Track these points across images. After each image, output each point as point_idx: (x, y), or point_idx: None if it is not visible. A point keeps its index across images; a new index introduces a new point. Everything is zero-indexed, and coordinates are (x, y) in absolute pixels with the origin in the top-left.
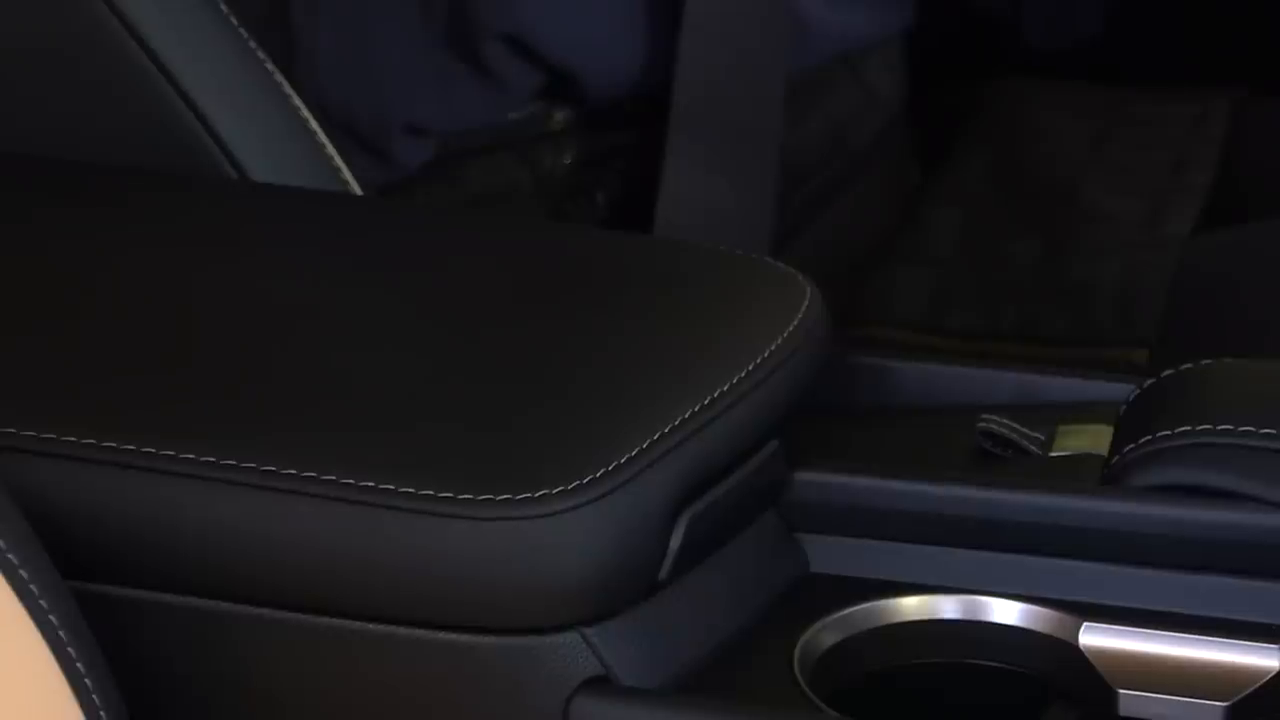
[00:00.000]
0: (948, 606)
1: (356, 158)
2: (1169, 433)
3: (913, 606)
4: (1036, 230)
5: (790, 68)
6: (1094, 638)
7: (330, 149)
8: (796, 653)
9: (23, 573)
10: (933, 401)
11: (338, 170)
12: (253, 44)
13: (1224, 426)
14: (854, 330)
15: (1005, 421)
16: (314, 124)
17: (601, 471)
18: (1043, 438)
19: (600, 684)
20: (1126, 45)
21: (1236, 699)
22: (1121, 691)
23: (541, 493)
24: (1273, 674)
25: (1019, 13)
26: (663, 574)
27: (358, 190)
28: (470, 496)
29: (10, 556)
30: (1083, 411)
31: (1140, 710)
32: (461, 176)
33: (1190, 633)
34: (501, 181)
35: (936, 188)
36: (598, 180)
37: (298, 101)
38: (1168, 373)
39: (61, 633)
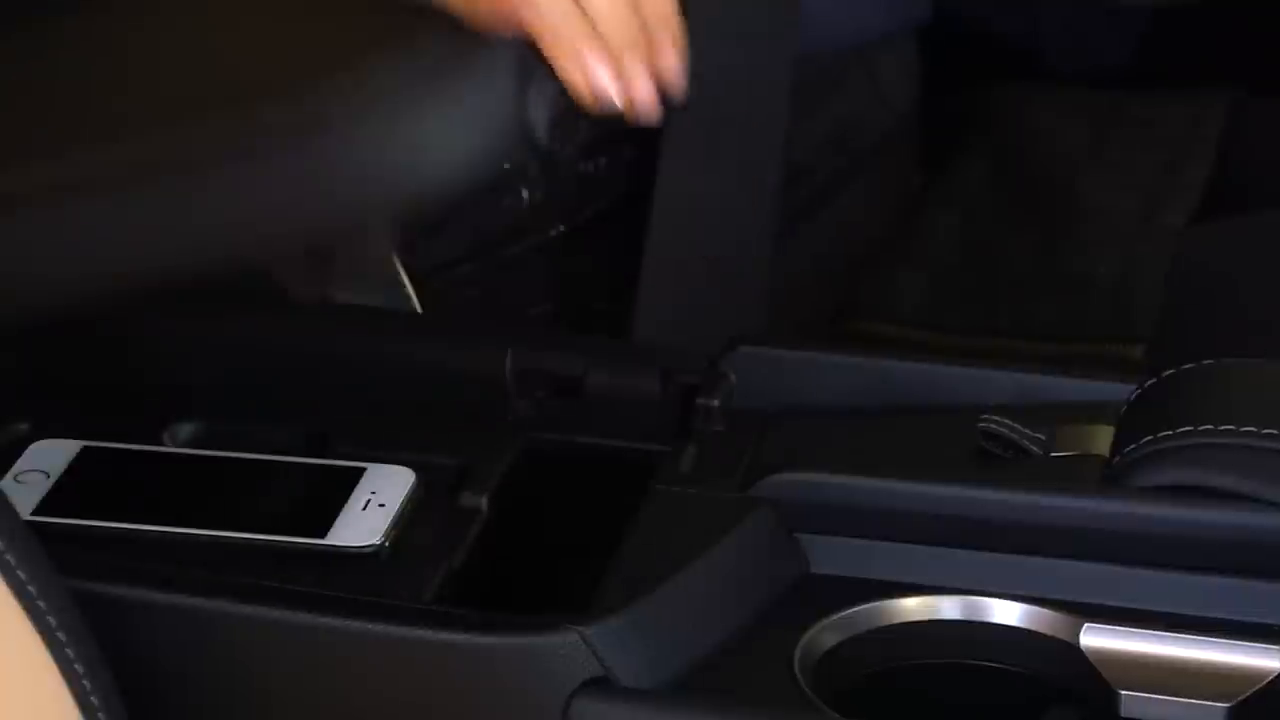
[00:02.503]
0: (948, 607)
1: None
2: (1170, 433)
3: (913, 607)
4: (1033, 226)
5: (801, 61)
6: (1095, 638)
7: None
8: (797, 653)
9: (20, 572)
10: (934, 401)
11: None
12: None
13: (1225, 427)
14: (853, 326)
15: (1006, 421)
16: None
17: None
18: (1044, 438)
19: (600, 684)
20: (1126, 49)
21: (1238, 700)
22: (1123, 692)
23: None
24: (1274, 675)
25: (1038, 40)
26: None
27: None
28: None
29: (8, 556)
30: (1084, 411)
31: (1141, 711)
32: None
33: (1192, 633)
34: (505, 161)
35: (936, 190)
36: (606, 167)
37: None
38: (1168, 372)
39: (60, 633)
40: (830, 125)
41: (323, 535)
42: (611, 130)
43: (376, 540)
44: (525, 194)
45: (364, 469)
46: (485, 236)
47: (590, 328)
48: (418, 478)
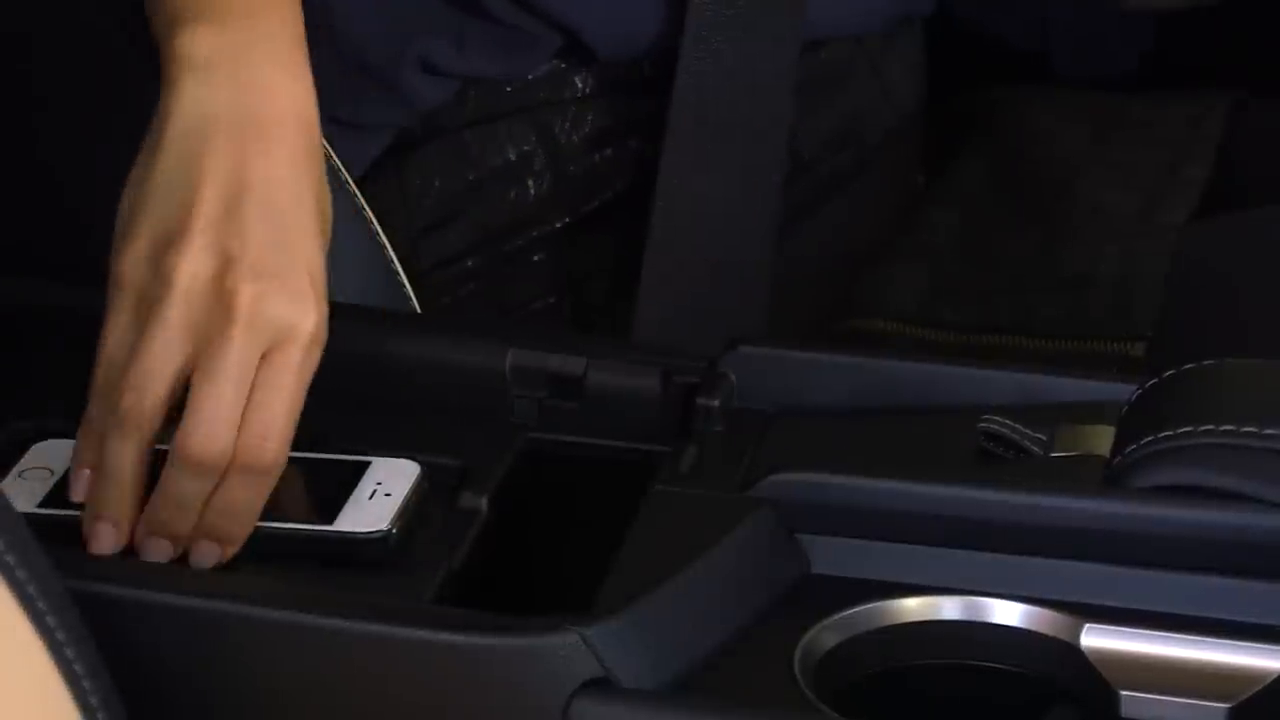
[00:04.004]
0: (949, 607)
1: (371, 98)
2: (1171, 433)
3: (914, 607)
4: (1033, 224)
5: (805, 54)
6: (1096, 639)
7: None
8: (797, 654)
9: (20, 573)
10: (934, 401)
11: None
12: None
13: (1226, 427)
14: (853, 324)
15: (1007, 422)
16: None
17: None
18: (1044, 438)
19: (600, 685)
20: (1128, 51)
21: (1239, 700)
22: (1123, 693)
23: None
24: (1275, 676)
25: (1040, 42)
26: None
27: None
28: None
29: (7, 557)
30: (1085, 411)
31: (1142, 711)
32: (469, 148)
33: (1192, 634)
34: (512, 154)
35: (937, 188)
36: (611, 159)
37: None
38: (1169, 373)
39: (59, 634)
40: (834, 122)
41: (330, 522)
42: (618, 121)
43: (384, 526)
44: (531, 186)
45: (369, 462)
46: (490, 229)
47: (593, 321)
48: (423, 470)
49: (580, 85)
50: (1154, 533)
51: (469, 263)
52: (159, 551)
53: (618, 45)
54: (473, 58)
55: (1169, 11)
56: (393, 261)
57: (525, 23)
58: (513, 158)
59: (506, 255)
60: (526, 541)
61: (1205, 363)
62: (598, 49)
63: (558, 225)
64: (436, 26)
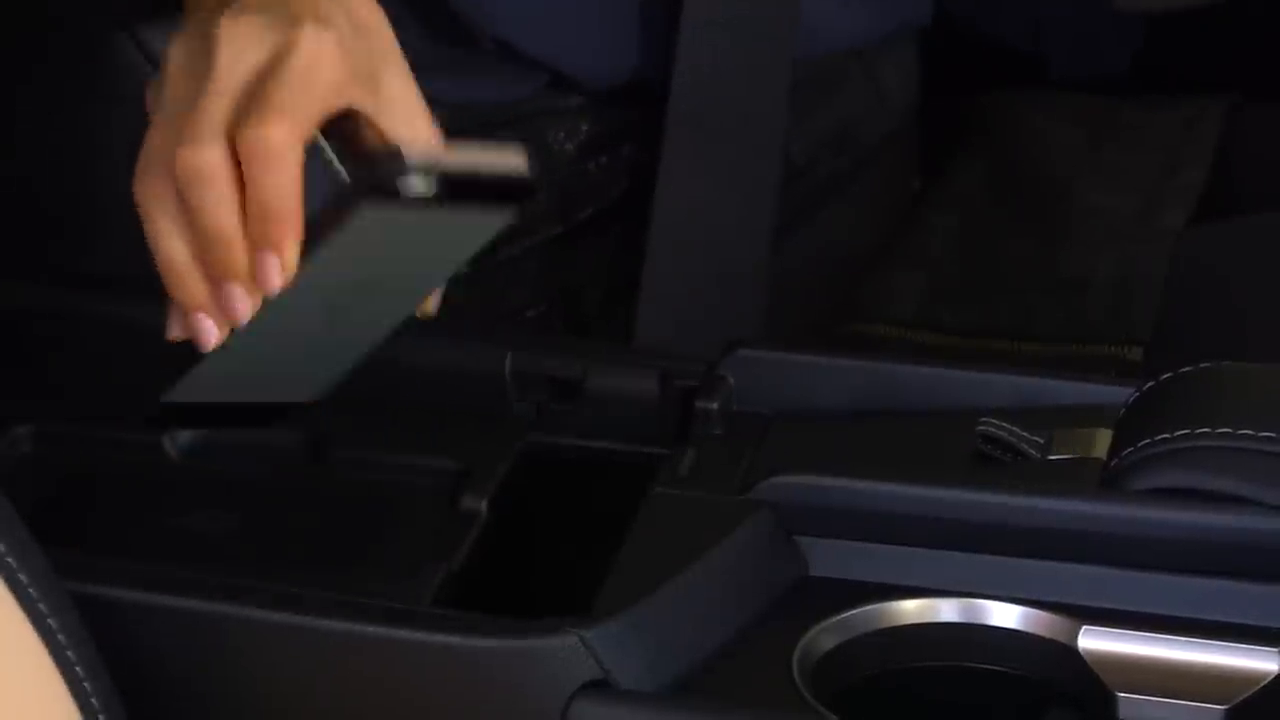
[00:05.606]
0: (947, 610)
1: None
2: (1168, 436)
3: (912, 610)
4: (1031, 227)
5: (798, 62)
6: (1093, 641)
7: None
8: (795, 656)
9: (21, 576)
10: (932, 404)
11: None
12: None
13: (1223, 430)
14: (851, 328)
15: (1005, 425)
16: None
17: None
18: (1042, 441)
19: (600, 687)
20: (1123, 54)
21: (1235, 702)
22: (1120, 695)
23: None
24: (1271, 677)
25: (1036, 45)
26: None
27: None
28: None
29: (9, 560)
30: (1082, 414)
31: (1139, 713)
32: None
33: (1189, 636)
34: None
35: (934, 193)
36: (606, 167)
37: None
38: (1166, 376)
39: (60, 636)
40: (830, 126)
41: None
42: (612, 129)
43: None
44: None
45: None
46: None
47: (588, 329)
48: None
49: (572, 102)
50: (1151, 535)
51: (463, 270)
52: (236, 298)
53: (609, 81)
54: (468, 88)
55: (1160, 12)
56: None
57: (515, 62)
58: None
59: (500, 263)
60: (526, 544)
61: (1202, 366)
62: (589, 85)
63: (551, 234)
64: (438, 63)
